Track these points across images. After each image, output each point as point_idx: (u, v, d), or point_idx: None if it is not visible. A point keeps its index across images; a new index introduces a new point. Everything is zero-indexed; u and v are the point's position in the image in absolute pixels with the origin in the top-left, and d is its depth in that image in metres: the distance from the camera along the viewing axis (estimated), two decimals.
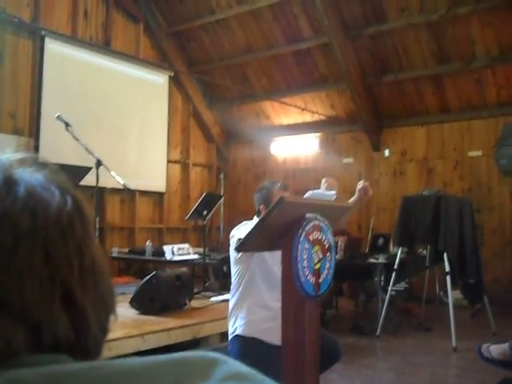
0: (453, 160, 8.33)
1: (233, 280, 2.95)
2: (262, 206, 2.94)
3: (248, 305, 2.83)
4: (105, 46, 8.57)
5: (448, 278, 5.48)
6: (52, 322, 0.45)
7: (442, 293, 7.18)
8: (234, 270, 2.93)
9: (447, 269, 5.49)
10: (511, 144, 6.89)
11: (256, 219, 2.93)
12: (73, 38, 8.06)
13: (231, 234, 2.90)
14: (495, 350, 3.19)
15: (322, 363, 2.36)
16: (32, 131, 7.56)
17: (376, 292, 6.30)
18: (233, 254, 2.90)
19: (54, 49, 7.79)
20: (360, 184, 3.06)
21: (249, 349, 2.74)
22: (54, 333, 0.45)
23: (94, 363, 0.42)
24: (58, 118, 5.05)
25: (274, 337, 2.64)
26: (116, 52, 8.66)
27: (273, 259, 2.76)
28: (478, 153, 8.07)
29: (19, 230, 0.45)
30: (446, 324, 5.49)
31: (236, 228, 2.91)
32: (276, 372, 2.06)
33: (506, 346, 3.15)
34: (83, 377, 0.39)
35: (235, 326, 2.85)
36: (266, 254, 2.77)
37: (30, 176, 0.49)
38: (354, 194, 3.18)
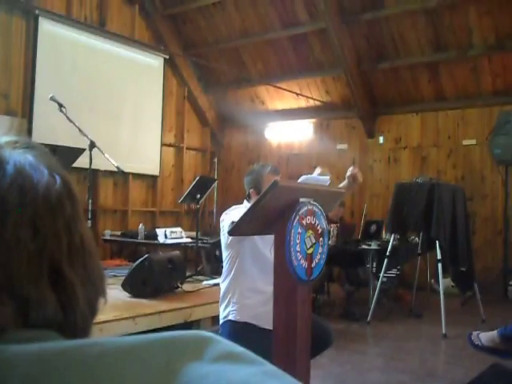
0: (447, 148, 8.34)
1: (224, 264, 2.94)
2: (251, 190, 2.92)
3: (240, 289, 2.83)
4: (100, 26, 8.49)
5: (439, 265, 5.50)
6: (39, 298, 0.44)
7: (433, 280, 7.22)
8: (225, 254, 2.93)
9: (439, 256, 5.51)
10: (505, 133, 6.89)
11: (246, 203, 2.92)
12: (67, 18, 7.96)
13: (221, 219, 2.89)
14: (485, 337, 3.22)
15: (313, 348, 2.36)
16: (25, 112, 7.50)
17: (366, 280, 6.33)
18: (224, 239, 2.89)
19: (48, 29, 7.71)
20: (349, 170, 3.03)
21: (240, 333, 2.74)
22: (42, 309, 0.45)
23: (84, 341, 0.42)
24: (52, 98, 5.00)
25: (267, 321, 2.64)
26: (111, 33, 8.58)
27: (263, 243, 2.76)
28: (472, 141, 8.08)
29: (6, 205, 0.45)
30: (436, 311, 5.52)
31: (225, 213, 2.89)
32: (268, 356, 2.06)
33: (495, 333, 3.18)
34: (73, 355, 0.39)
35: (227, 311, 2.85)
36: (257, 238, 2.76)
37: (19, 156, 0.49)
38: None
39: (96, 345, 0.40)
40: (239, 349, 0.43)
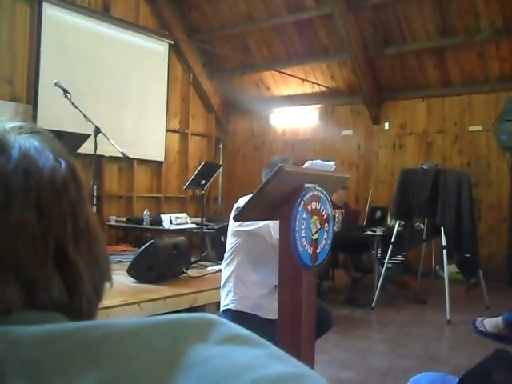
0: (453, 134, 8.29)
1: (228, 250, 2.95)
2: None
3: (242, 280, 2.83)
4: (104, 12, 8.45)
5: (444, 251, 5.50)
6: (45, 280, 0.45)
7: (437, 267, 7.22)
8: (230, 240, 2.93)
9: (444, 242, 5.51)
10: None
11: None
12: (71, 4, 7.93)
13: (236, 205, 2.89)
14: (489, 323, 3.22)
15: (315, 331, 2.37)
16: (30, 98, 7.50)
17: (370, 267, 6.33)
18: (232, 225, 2.89)
19: (52, 14, 7.68)
20: None
21: (241, 322, 2.74)
22: (48, 291, 0.45)
23: (90, 323, 0.42)
24: (56, 84, 5.00)
25: (268, 311, 2.65)
26: (115, 18, 8.54)
27: (271, 239, 2.76)
28: (479, 128, 8.03)
29: (11, 188, 0.45)
30: (440, 297, 5.53)
31: (241, 199, 2.89)
32: None
33: (499, 319, 3.18)
34: (77, 337, 0.39)
35: (228, 300, 2.85)
36: (266, 234, 2.76)
37: (24, 141, 0.49)
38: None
39: (101, 327, 0.40)
40: (244, 331, 0.43)
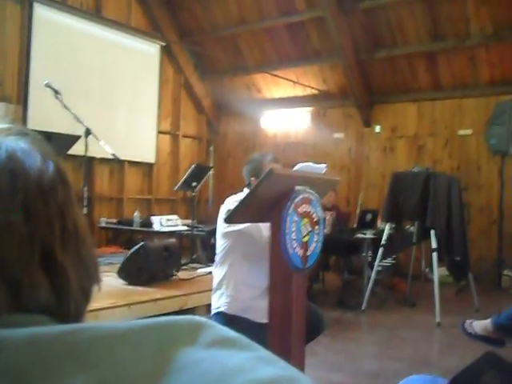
0: (443, 138, 8.34)
1: (218, 252, 2.94)
2: (253, 179, 2.91)
3: (234, 282, 2.82)
4: (95, 12, 8.43)
5: (434, 254, 5.52)
6: (32, 282, 0.44)
7: (427, 269, 7.24)
8: (220, 242, 2.92)
9: (434, 245, 5.53)
10: (502, 123, 6.88)
11: (246, 191, 2.91)
12: (62, 4, 7.90)
13: (223, 206, 2.88)
14: (478, 325, 3.24)
15: (306, 335, 2.37)
16: (20, 99, 7.46)
17: (360, 269, 6.35)
18: (221, 227, 2.88)
19: (43, 14, 7.65)
20: None
21: (232, 325, 2.73)
22: (35, 293, 0.44)
23: (77, 326, 0.41)
24: (47, 85, 4.97)
25: (259, 315, 2.64)
26: (107, 20, 8.52)
27: (261, 237, 2.75)
28: (468, 131, 8.09)
29: None
30: (430, 300, 5.55)
31: (227, 199, 2.89)
32: None
33: (488, 322, 3.19)
34: (65, 340, 0.39)
35: (220, 302, 2.84)
36: (255, 233, 2.76)
37: (12, 142, 0.49)
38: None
39: (87, 330, 0.40)
40: (233, 334, 0.43)
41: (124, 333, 0.40)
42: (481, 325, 3.22)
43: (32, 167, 0.48)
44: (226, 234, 2.85)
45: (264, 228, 2.66)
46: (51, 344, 0.38)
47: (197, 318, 0.44)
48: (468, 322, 3.31)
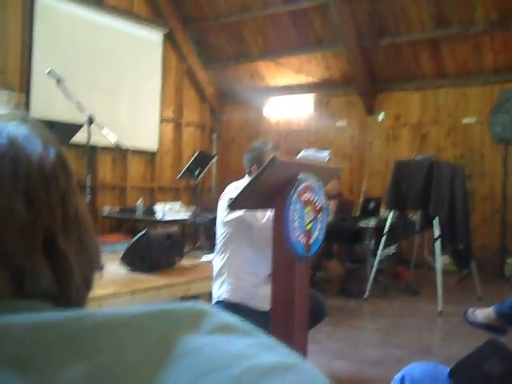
0: (447, 126, 8.31)
1: (218, 241, 2.94)
2: (254, 167, 2.90)
3: (236, 270, 2.83)
4: (98, 0, 8.38)
5: (437, 242, 5.52)
6: (34, 268, 0.44)
7: (430, 258, 7.25)
8: (220, 231, 2.92)
9: (437, 234, 5.52)
10: (506, 111, 6.85)
11: (247, 179, 2.91)
12: None
13: (223, 194, 2.88)
14: (480, 313, 3.24)
15: (308, 321, 2.38)
16: (23, 86, 7.45)
17: (363, 257, 6.35)
18: (221, 215, 2.88)
19: (46, 2, 7.61)
20: None
21: (234, 313, 2.74)
22: (37, 280, 0.44)
23: (81, 312, 0.41)
24: (50, 73, 4.95)
25: (261, 302, 2.65)
26: (109, 7, 8.48)
27: (257, 225, 2.76)
28: (472, 120, 8.05)
29: None
30: (433, 288, 5.56)
31: (228, 187, 2.89)
32: None
33: (490, 310, 3.20)
34: (68, 326, 0.39)
35: (221, 291, 2.85)
36: (252, 220, 2.76)
37: (13, 128, 0.49)
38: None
39: (90, 316, 0.40)
40: (236, 320, 0.43)
41: (127, 320, 0.40)
42: (483, 313, 3.23)
43: (33, 153, 0.48)
44: (225, 223, 2.85)
45: (260, 215, 2.66)
46: (55, 330, 0.38)
47: (199, 304, 0.44)
48: (470, 309, 3.31)
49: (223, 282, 2.85)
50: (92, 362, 0.37)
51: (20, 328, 0.38)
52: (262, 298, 2.65)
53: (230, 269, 2.84)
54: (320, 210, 2.28)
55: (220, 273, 2.88)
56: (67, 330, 0.38)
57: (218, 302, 2.84)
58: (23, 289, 0.44)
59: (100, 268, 0.53)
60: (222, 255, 2.89)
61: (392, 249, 6.76)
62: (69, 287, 0.47)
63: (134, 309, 0.42)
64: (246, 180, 2.92)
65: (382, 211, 6.58)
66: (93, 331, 0.38)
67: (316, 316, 2.89)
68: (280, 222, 2.10)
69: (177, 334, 0.40)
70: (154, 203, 7.89)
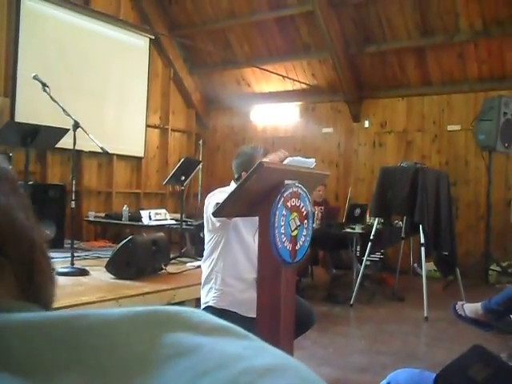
0: (432, 133, 8.38)
1: (206, 247, 2.93)
2: (243, 173, 2.88)
3: (223, 276, 2.82)
4: (84, 5, 8.36)
5: (422, 249, 5.55)
6: None
7: (415, 264, 7.28)
8: (208, 237, 2.91)
9: (422, 240, 5.55)
10: (490, 119, 6.91)
11: (233, 185, 2.89)
12: None
13: (207, 201, 2.86)
14: (469, 308, 3.27)
15: (296, 329, 2.38)
16: (8, 91, 7.39)
17: (349, 264, 6.37)
18: (208, 221, 2.87)
19: (31, 6, 7.57)
20: None
21: (222, 319, 2.73)
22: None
23: (72, 313, 0.41)
24: (35, 78, 4.91)
25: (248, 308, 2.65)
26: (95, 12, 8.45)
27: (247, 230, 2.75)
28: (457, 127, 8.13)
29: None
30: (418, 294, 5.58)
31: (211, 194, 2.87)
32: None
33: (478, 305, 3.23)
34: (63, 326, 0.38)
35: (209, 297, 2.84)
36: (241, 226, 2.76)
37: None
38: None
39: (83, 317, 0.39)
40: (229, 324, 0.43)
41: (119, 320, 0.40)
42: (471, 307, 3.26)
43: None
44: (213, 228, 2.84)
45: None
46: (52, 330, 0.38)
47: (187, 307, 0.44)
48: (459, 303, 3.34)
49: (210, 288, 2.84)
50: (88, 364, 0.36)
51: (13, 327, 0.37)
52: (248, 304, 2.64)
53: (217, 274, 2.83)
54: (306, 216, 2.28)
55: (208, 279, 2.87)
56: (61, 331, 0.38)
57: (205, 308, 2.83)
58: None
59: (52, 280, 0.51)
60: (209, 261, 2.88)
61: (378, 255, 6.79)
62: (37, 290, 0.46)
63: (124, 309, 0.41)
64: (232, 186, 2.90)
65: (368, 218, 6.61)
66: (87, 332, 0.38)
67: (304, 324, 2.89)
68: (266, 229, 2.09)
69: (173, 332, 0.39)
70: (139, 209, 7.86)
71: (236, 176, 2.97)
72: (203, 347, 0.38)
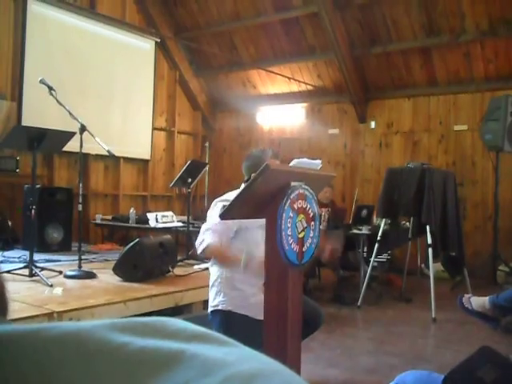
0: (438, 133, 8.35)
1: None
2: (253, 175, 2.89)
3: (231, 280, 2.81)
4: (90, 8, 8.39)
5: (430, 250, 5.53)
6: None
7: (423, 265, 7.25)
8: None
9: (429, 241, 5.53)
10: (497, 119, 6.88)
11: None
12: (57, 0, 7.86)
13: (214, 204, 2.87)
14: (476, 301, 3.25)
15: (303, 330, 2.37)
16: (14, 95, 7.42)
17: (356, 265, 6.35)
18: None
19: (38, 10, 7.61)
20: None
21: (231, 323, 2.74)
22: None
23: (41, 325, 0.40)
24: (42, 81, 4.93)
25: (257, 312, 2.64)
26: (101, 15, 8.48)
27: (254, 236, 2.75)
28: (464, 127, 8.10)
29: None
30: (426, 295, 5.56)
31: (219, 199, 2.88)
32: (258, 346, 2.06)
33: (486, 299, 3.21)
34: (34, 337, 0.37)
35: (217, 300, 2.83)
36: (248, 231, 2.76)
37: None
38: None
39: (53, 328, 0.38)
40: (207, 330, 0.42)
41: (95, 330, 0.39)
42: (478, 301, 3.24)
43: None
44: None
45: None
46: (23, 341, 0.37)
47: (165, 318, 0.42)
48: (466, 296, 3.32)
49: (219, 291, 2.84)
50: (62, 377, 0.35)
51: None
52: (257, 306, 2.64)
53: (225, 278, 2.83)
54: (313, 217, 2.28)
55: (216, 282, 2.87)
56: (35, 341, 0.37)
57: (214, 312, 2.83)
58: None
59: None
60: (217, 264, 2.88)
61: (385, 256, 6.77)
62: None
63: (103, 321, 0.41)
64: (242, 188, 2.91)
65: (375, 219, 6.59)
66: (59, 342, 0.37)
67: (311, 325, 2.88)
68: (272, 230, 2.09)
69: (151, 341, 0.39)
70: (146, 211, 7.87)
71: (245, 178, 2.97)
72: (185, 353, 0.37)
